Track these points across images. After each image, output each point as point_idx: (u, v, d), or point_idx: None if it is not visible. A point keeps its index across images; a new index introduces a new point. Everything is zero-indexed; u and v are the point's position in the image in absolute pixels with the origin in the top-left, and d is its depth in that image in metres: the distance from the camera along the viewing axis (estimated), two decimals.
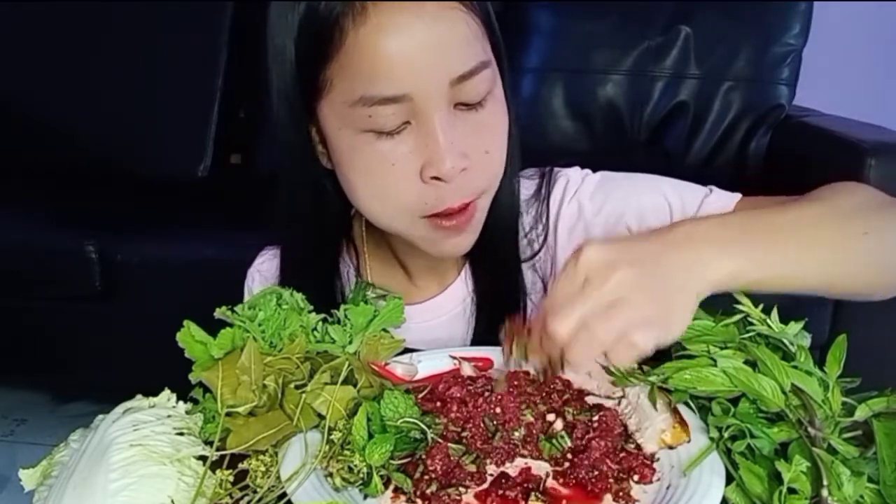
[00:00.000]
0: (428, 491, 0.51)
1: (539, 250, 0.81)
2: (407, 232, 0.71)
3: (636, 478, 0.53)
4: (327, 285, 0.81)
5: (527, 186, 0.81)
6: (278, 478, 0.52)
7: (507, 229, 0.79)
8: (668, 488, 0.51)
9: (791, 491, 0.47)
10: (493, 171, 0.71)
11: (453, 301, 0.83)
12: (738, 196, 0.78)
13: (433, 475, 0.52)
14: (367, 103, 0.63)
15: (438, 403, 0.60)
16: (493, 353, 0.69)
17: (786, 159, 1.93)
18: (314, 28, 0.65)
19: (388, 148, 0.66)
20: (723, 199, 0.78)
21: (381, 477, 0.52)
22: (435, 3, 0.63)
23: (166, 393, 0.59)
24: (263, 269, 0.88)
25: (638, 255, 0.56)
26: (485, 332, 0.80)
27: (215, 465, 0.52)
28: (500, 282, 0.80)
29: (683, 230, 0.58)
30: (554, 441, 0.56)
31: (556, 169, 0.83)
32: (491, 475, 0.53)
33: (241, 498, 0.51)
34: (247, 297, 0.87)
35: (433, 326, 0.82)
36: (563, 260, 0.77)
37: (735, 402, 0.55)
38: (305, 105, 0.69)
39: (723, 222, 0.62)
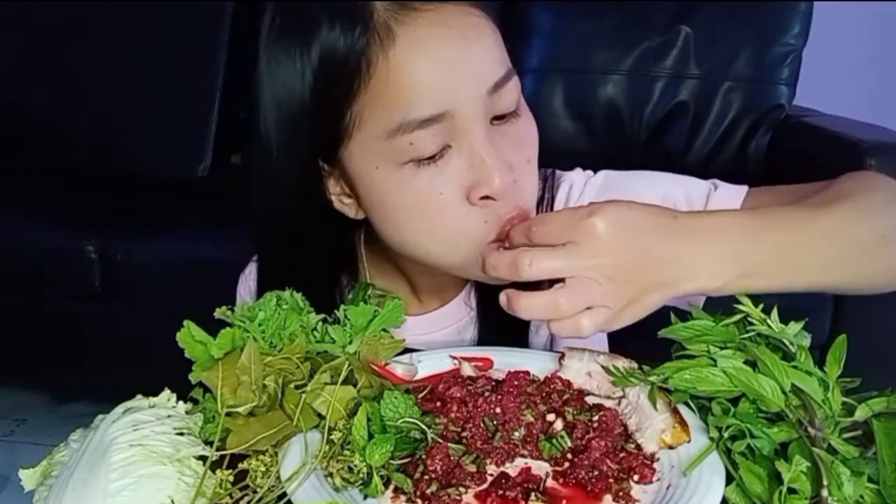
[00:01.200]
0: (428, 491, 0.51)
1: None
2: (470, 262, 0.66)
3: (636, 478, 0.53)
4: (324, 301, 0.80)
5: None
6: (278, 478, 0.52)
7: None
8: (668, 488, 0.51)
9: (791, 491, 0.47)
10: (535, 181, 0.69)
11: (455, 315, 0.82)
12: (744, 189, 0.75)
13: (433, 475, 0.52)
14: (407, 129, 0.60)
15: (438, 403, 0.60)
16: (493, 353, 0.69)
17: (786, 159, 1.93)
18: (336, 66, 0.62)
19: (432, 176, 0.62)
20: (729, 194, 0.75)
21: (381, 477, 0.52)
22: (459, 15, 0.61)
23: (166, 393, 0.59)
24: (250, 277, 0.87)
25: (643, 246, 0.56)
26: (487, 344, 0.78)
27: (215, 465, 0.52)
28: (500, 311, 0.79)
29: (708, 224, 0.58)
30: (554, 441, 0.56)
31: (557, 172, 0.82)
32: (491, 475, 0.53)
33: (241, 498, 0.51)
34: (238, 303, 0.87)
35: (433, 340, 0.81)
36: None
37: (735, 402, 0.55)
38: (325, 155, 0.66)
39: (748, 221, 0.60)
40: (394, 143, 0.61)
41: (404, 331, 0.73)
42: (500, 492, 0.51)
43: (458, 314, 0.82)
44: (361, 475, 0.52)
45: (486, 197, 0.63)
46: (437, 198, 0.63)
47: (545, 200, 0.80)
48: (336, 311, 0.68)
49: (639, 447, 0.55)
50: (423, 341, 0.79)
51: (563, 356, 0.66)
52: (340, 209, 0.71)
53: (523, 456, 0.56)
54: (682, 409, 0.57)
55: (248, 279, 0.88)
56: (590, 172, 0.81)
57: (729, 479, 0.50)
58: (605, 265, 0.55)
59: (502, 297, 0.59)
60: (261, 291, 0.76)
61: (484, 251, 0.63)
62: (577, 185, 0.80)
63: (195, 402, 0.60)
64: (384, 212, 0.67)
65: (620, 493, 0.51)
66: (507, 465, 0.55)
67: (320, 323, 0.66)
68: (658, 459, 0.54)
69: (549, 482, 0.53)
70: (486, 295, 0.79)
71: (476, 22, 0.63)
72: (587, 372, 0.64)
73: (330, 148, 0.66)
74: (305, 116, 0.65)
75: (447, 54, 0.61)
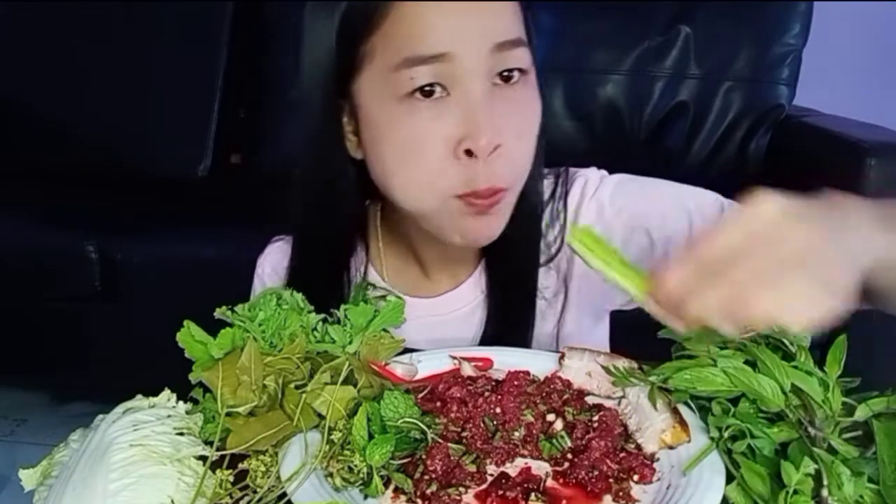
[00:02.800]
0: (428, 491, 0.51)
1: (557, 252, 0.81)
2: (436, 214, 0.70)
3: (636, 478, 0.53)
4: (336, 278, 0.81)
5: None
6: (278, 478, 0.52)
7: (530, 232, 0.78)
8: (668, 488, 0.51)
9: (794, 492, 0.47)
10: (522, 161, 0.70)
11: (465, 298, 0.83)
12: None
13: (433, 475, 0.52)
14: (410, 64, 0.65)
15: (438, 403, 0.60)
16: (493, 353, 0.69)
17: (786, 159, 1.93)
18: (357, 7, 0.67)
19: (425, 119, 0.66)
20: None
21: (382, 477, 0.52)
22: None
23: (166, 393, 0.59)
24: (272, 260, 0.88)
25: (819, 216, 0.53)
26: (495, 332, 0.80)
27: (215, 465, 0.52)
28: (517, 284, 0.80)
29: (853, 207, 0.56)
30: (554, 441, 0.56)
31: (571, 169, 0.83)
32: (491, 475, 0.53)
33: (241, 498, 0.51)
34: (256, 287, 0.89)
35: (443, 322, 0.82)
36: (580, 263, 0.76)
37: (735, 402, 0.55)
38: (341, 88, 0.70)
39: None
40: (397, 76, 0.65)
41: (415, 312, 0.75)
42: (500, 492, 0.51)
43: (469, 297, 0.83)
44: (361, 475, 0.52)
45: (469, 153, 0.66)
46: (425, 140, 0.67)
47: (558, 195, 0.81)
48: (336, 311, 0.68)
49: (639, 447, 0.56)
50: (433, 323, 0.81)
51: (563, 356, 0.66)
52: (347, 146, 0.74)
53: (523, 456, 0.56)
54: (682, 409, 0.57)
55: (265, 260, 0.89)
56: (605, 171, 0.82)
57: (729, 479, 0.50)
58: (803, 240, 0.49)
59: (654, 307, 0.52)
60: (292, 260, 0.82)
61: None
62: (592, 181, 0.81)
63: (195, 402, 0.60)
64: (377, 148, 0.70)
65: (620, 493, 0.51)
66: (507, 465, 0.55)
67: (320, 323, 0.66)
68: (658, 459, 0.54)
69: (549, 482, 0.53)
70: (496, 278, 0.81)
71: None
72: (587, 372, 0.64)
73: (344, 81, 0.70)
74: (330, 51, 0.70)
75: (461, 6, 0.65)
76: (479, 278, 0.83)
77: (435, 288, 0.84)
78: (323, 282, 0.74)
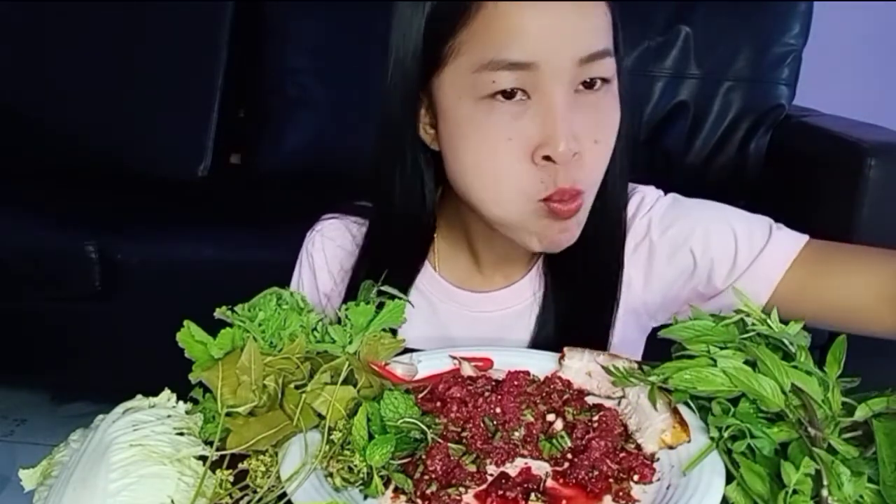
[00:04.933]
0: (428, 491, 0.51)
1: None
2: (515, 218, 0.70)
3: (636, 478, 0.53)
4: (411, 264, 0.82)
5: None
6: (278, 478, 0.52)
7: (614, 234, 0.78)
8: (668, 488, 0.51)
9: (794, 491, 0.47)
10: (597, 167, 0.70)
11: (518, 298, 0.83)
12: (805, 237, 0.78)
13: (433, 475, 0.52)
14: (494, 67, 0.64)
15: (438, 403, 0.60)
16: (493, 353, 0.69)
17: (786, 159, 1.93)
18: (447, 4, 0.67)
19: (505, 121, 0.66)
20: (791, 238, 0.78)
21: (381, 477, 0.52)
22: None
23: (166, 393, 0.59)
24: (328, 233, 0.89)
25: None
26: (552, 336, 0.79)
27: (215, 465, 0.52)
28: (593, 287, 0.79)
29: None
30: (554, 441, 0.56)
31: (631, 184, 0.83)
32: (491, 475, 0.53)
33: (241, 498, 0.51)
34: (304, 261, 0.90)
35: (490, 318, 0.83)
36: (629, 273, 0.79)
37: (735, 402, 0.55)
38: (423, 81, 0.71)
39: None
40: (479, 77, 0.65)
41: (464, 305, 0.80)
42: (500, 492, 0.51)
43: (522, 297, 0.83)
44: (361, 475, 0.52)
45: (548, 158, 0.66)
46: (504, 142, 0.67)
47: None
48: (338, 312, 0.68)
49: (639, 447, 0.56)
50: (481, 318, 0.82)
51: (563, 356, 0.66)
52: (423, 137, 0.75)
53: (523, 456, 0.56)
54: (682, 409, 0.57)
55: (316, 236, 0.90)
56: (661, 191, 0.84)
57: (729, 479, 0.50)
58: None
59: None
60: (369, 237, 0.83)
61: None
62: (649, 198, 0.82)
63: (195, 402, 0.60)
64: (455, 145, 0.70)
65: (620, 493, 0.51)
66: (507, 465, 0.55)
67: (320, 323, 0.66)
68: (658, 459, 0.54)
69: (549, 482, 0.53)
70: (567, 279, 0.80)
71: None
72: (587, 372, 0.64)
73: (427, 75, 0.70)
74: (417, 42, 0.70)
75: (550, 12, 0.64)
76: (535, 279, 0.82)
77: (487, 284, 0.84)
78: (397, 266, 0.75)
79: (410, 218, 0.79)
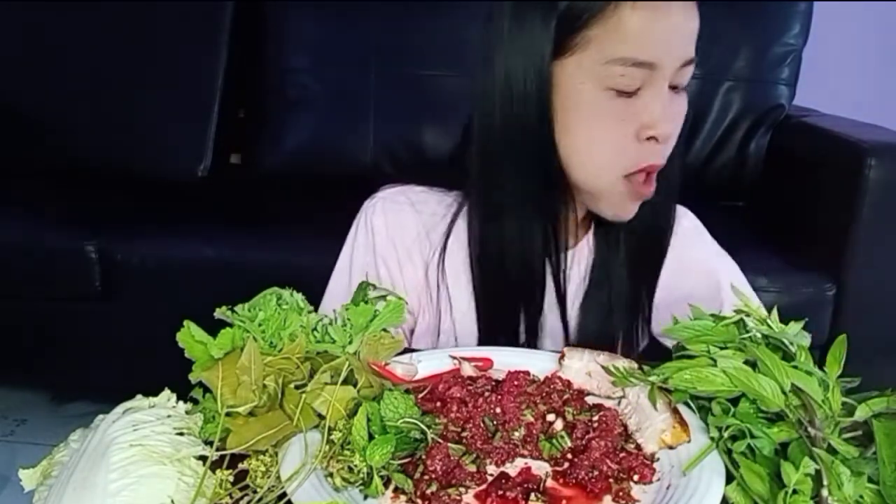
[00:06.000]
0: (428, 491, 0.51)
1: None
2: (607, 187, 0.79)
3: (636, 478, 0.53)
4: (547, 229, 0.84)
5: None
6: (278, 478, 0.52)
7: (668, 201, 0.86)
8: (668, 488, 0.51)
9: (793, 491, 0.47)
10: (671, 150, 0.79)
11: (577, 257, 0.88)
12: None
13: (433, 475, 0.52)
14: (625, 63, 0.73)
15: (438, 403, 0.60)
16: (493, 353, 0.69)
17: (786, 159, 1.93)
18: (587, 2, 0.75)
19: (623, 106, 0.75)
20: None
21: (382, 477, 0.52)
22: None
23: (166, 393, 0.59)
24: (391, 198, 0.90)
25: None
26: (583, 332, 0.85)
27: (215, 465, 0.52)
28: (650, 245, 0.87)
29: None
30: (554, 441, 0.56)
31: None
32: (491, 475, 0.53)
33: (241, 498, 0.51)
34: (361, 230, 0.90)
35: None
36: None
37: (735, 402, 0.55)
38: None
39: None
40: (608, 69, 0.74)
41: None
42: (500, 492, 0.51)
43: (581, 256, 0.89)
44: (361, 475, 0.52)
45: (652, 138, 0.76)
46: (620, 124, 0.76)
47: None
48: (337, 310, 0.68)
49: (639, 447, 0.56)
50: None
51: (563, 356, 0.66)
52: None
53: (523, 456, 0.56)
54: (682, 409, 0.57)
55: (378, 202, 0.90)
56: (691, 216, 0.93)
57: (729, 479, 0.50)
58: None
59: None
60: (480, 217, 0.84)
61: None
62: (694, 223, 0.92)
63: (195, 402, 0.60)
64: (569, 120, 0.78)
65: (620, 493, 0.51)
66: (507, 465, 0.55)
67: (320, 323, 0.66)
68: (658, 459, 0.54)
69: (549, 482, 0.53)
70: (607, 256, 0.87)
71: (694, 8, 0.77)
72: (587, 372, 0.64)
73: (553, 56, 0.77)
74: (547, 29, 0.76)
75: (673, 22, 0.74)
76: (588, 245, 0.89)
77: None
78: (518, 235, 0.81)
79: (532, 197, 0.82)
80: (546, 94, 0.77)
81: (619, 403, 0.61)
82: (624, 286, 0.86)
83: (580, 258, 0.88)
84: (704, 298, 0.77)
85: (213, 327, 0.63)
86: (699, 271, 0.89)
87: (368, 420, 0.55)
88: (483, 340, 0.85)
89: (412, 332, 0.89)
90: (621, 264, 0.86)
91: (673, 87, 0.77)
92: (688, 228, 0.91)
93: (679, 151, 0.83)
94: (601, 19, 0.73)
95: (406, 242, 0.88)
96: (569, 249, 0.87)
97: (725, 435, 0.53)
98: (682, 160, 0.84)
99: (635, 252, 0.86)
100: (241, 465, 0.53)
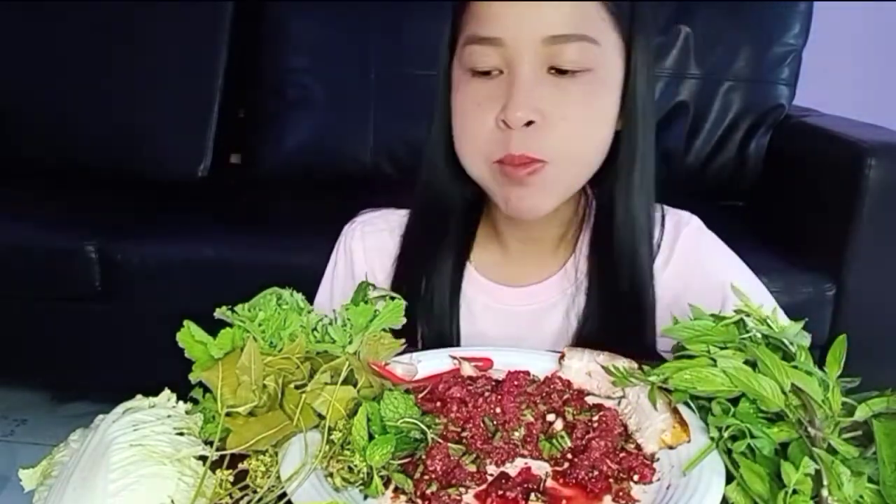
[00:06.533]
0: (428, 491, 0.51)
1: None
2: (485, 179, 0.77)
3: (636, 478, 0.53)
4: (458, 253, 0.85)
5: None
6: (278, 478, 0.52)
7: (633, 244, 0.80)
8: (668, 488, 0.51)
9: (793, 491, 0.47)
10: (565, 139, 0.73)
11: (551, 292, 0.84)
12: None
13: (433, 475, 0.52)
14: (471, 41, 0.73)
15: (438, 403, 0.60)
16: (493, 353, 0.69)
17: (786, 159, 1.93)
18: None
19: (477, 88, 0.74)
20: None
21: (382, 477, 0.52)
22: None
23: (166, 393, 0.59)
24: (369, 222, 0.91)
25: None
26: (596, 329, 0.81)
27: (215, 465, 0.52)
28: (621, 293, 0.81)
29: None
30: (554, 441, 0.56)
31: (666, 207, 0.87)
32: (491, 475, 0.53)
33: (241, 498, 0.51)
34: (341, 255, 0.91)
35: (518, 315, 0.84)
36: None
37: (735, 402, 0.55)
38: (449, 58, 0.79)
39: None
40: (465, 50, 0.74)
41: (500, 299, 0.83)
42: (500, 492, 0.51)
43: (549, 293, 0.85)
44: (361, 475, 0.52)
45: (505, 124, 0.71)
46: (475, 107, 0.74)
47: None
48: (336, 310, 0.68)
49: (639, 447, 0.56)
50: (516, 312, 0.84)
51: (563, 356, 0.66)
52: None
53: (523, 456, 0.56)
54: (682, 409, 0.57)
55: (357, 226, 0.92)
56: (694, 220, 0.88)
57: (729, 479, 0.50)
58: None
59: None
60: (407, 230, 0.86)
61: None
62: (691, 229, 0.86)
63: (195, 402, 0.60)
64: (454, 111, 0.78)
65: (620, 493, 0.51)
66: (507, 465, 0.55)
67: (320, 323, 0.66)
68: (658, 459, 0.54)
69: (549, 482, 0.53)
70: (597, 267, 0.83)
71: None
72: (587, 372, 0.64)
73: (452, 54, 0.79)
74: (446, 39, 0.80)
75: None
76: (565, 279, 0.84)
77: (519, 278, 0.86)
78: (430, 258, 0.81)
79: (449, 206, 0.84)
80: (444, 90, 0.78)
81: (619, 403, 0.61)
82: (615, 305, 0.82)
83: (553, 288, 0.85)
84: (711, 303, 0.75)
85: (213, 327, 0.63)
86: (704, 275, 0.84)
87: (368, 420, 0.55)
88: None
89: None
90: (603, 292, 0.82)
91: (557, 70, 0.72)
92: (691, 231, 0.86)
93: (646, 145, 0.80)
94: (467, 6, 0.75)
95: (385, 266, 0.88)
96: (536, 284, 0.85)
97: (725, 435, 0.53)
98: (658, 154, 0.82)
99: (612, 263, 0.81)
100: (241, 465, 0.53)
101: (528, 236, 0.85)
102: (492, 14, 0.72)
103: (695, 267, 0.84)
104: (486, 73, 0.73)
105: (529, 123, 0.71)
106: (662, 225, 0.85)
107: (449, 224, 0.85)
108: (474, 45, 0.73)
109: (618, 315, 0.81)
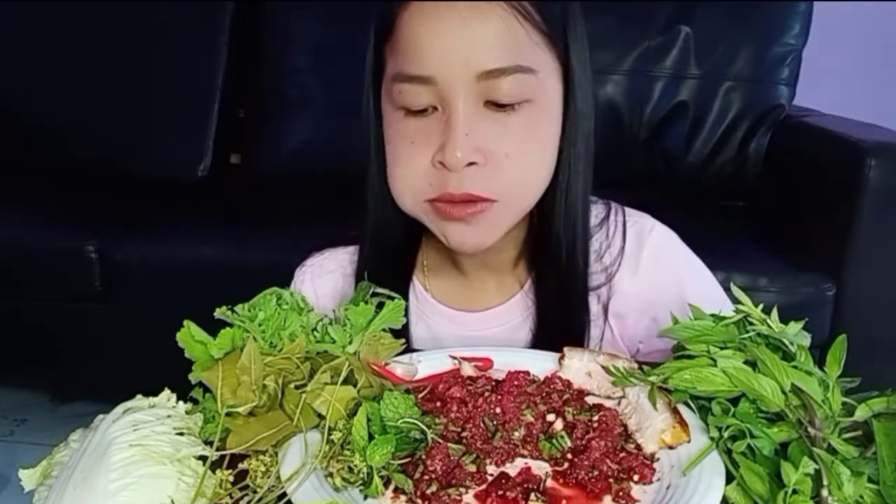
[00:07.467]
0: (428, 491, 0.51)
1: (602, 284, 0.81)
2: (417, 214, 0.74)
3: (636, 478, 0.53)
4: (405, 281, 0.83)
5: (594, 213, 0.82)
6: (278, 478, 0.52)
7: (574, 250, 0.78)
8: (668, 488, 0.51)
9: (793, 491, 0.47)
10: (511, 177, 0.70)
11: (512, 314, 0.83)
12: None
13: (433, 475, 0.52)
14: (399, 80, 0.69)
15: (438, 403, 0.60)
16: (493, 353, 0.69)
17: (786, 159, 1.93)
18: (382, 18, 0.73)
19: (411, 126, 0.70)
20: None
21: (382, 477, 0.52)
22: (475, 1, 0.66)
23: (166, 393, 0.59)
24: (318, 265, 0.89)
25: None
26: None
27: (215, 465, 0.52)
28: (564, 306, 0.80)
29: None
30: (554, 441, 0.56)
31: (628, 209, 0.84)
32: (491, 475, 0.53)
33: (241, 498, 0.51)
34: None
35: (484, 335, 0.82)
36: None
37: (735, 402, 0.55)
38: (375, 90, 0.76)
39: None
40: (393, 88, 0.70)
41: (460, 325, 0.82)
42: (500, 492, 0.51)
43: (516, 313, 0.83)
44: (361, 475, 0.52)
45: (443, 165, 0.68)
46: (409, 146, 0.71)
47: (610, 230, 0.83)
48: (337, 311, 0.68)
49: (639, 447, 0.55)
50: (477, 337, 0.82)
51: (562, 356, 0.66)
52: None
53: (523, 456, 0.56)
54: (682, 409, 0.57)
55: (306, 271, 0.90)
56: (656, 224, 0.84)
57: (729, 479, 0.50)
58: None
59: None
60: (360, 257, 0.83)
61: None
62: (656, 237, 0.83)
63: (195, 402, 0.60)
64: (386, 144, 0.75)
65: (620, 493, 0.51)
66: (507, 465, 0.55)
67: (320, 323, 0.66)
68: (658, 459, 0.54)
69: (549, 482, 0.53)
70: (541, 293, 0.81)
71: (490, 10, 0.67)
72: (587, 372, 0.64)
73: (377, 87, 0.76)
74: (371, 56, 0.77)
75: (442, 28, 0.67)
76: (529, 294, 0.82)
77: (480, 302, 0.84)
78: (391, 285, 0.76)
79: (391, 230, 0.81)
80: (375, 122, 0.76)
81: (619, 403, 0.61)
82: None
83: (514, 309, 0.83)
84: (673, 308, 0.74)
85: (213, 327, 0.63)
86: (677, 283, 0.81)
87: (368, 420, 0.55)
88: None
89: None
90: (546, 306, 0.80)
91: (495, 104, 0.68)
92: (657, 241, 0.83)
93: (577, 172, 0.75)
94: (391, 36, 0.71)
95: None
96: (500, 305, 0.83)
97: (725, 435, 0.53)
98: (590, 174, 0.77)
99: (559, 289, 0.79)
100: (241, 465, 0.53)
101: (483, 262, 0.82)
102: (419, 50, 0.67)
103: (666, 275, 0.81)
104: (420, 111, 0.69)
105: (471, 164, 0.68)
106: (606, 218, 0.82)
107: (400, 254, 0.83)
108: (404, 84, 0.69)
109: (559, 317, 0.80)
